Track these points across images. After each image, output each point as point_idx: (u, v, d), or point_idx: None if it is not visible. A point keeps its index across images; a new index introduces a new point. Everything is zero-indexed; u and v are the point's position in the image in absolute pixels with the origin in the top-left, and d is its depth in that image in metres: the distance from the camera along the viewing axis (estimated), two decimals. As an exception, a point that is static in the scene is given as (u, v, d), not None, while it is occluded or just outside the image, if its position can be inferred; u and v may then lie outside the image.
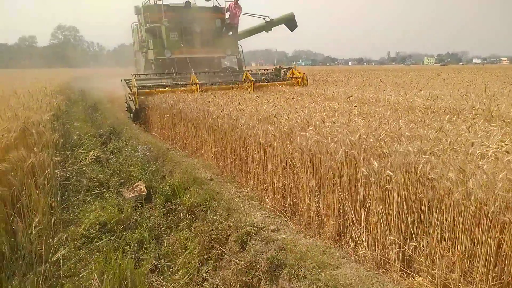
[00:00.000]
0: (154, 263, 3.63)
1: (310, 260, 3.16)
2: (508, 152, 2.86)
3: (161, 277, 3.14)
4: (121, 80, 11.45)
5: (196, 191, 5.01)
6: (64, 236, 3.76)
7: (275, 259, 3.36)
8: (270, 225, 3.96)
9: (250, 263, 3.48)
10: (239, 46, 14.93)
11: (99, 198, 5.29)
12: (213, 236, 4.11)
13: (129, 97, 10.35)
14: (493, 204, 2.35)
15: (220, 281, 3.56)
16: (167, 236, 4.60)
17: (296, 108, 5.96)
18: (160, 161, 6.61)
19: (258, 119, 5.34)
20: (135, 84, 10.03)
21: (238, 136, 5.32)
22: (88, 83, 22.98)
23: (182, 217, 4.79)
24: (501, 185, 2.36)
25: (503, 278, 2.36)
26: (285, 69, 13.55)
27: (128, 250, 3.88)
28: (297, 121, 4.83)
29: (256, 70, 13.62)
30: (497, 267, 2.41)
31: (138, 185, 5.97)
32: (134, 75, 10.81)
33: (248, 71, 12.44)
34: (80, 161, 6.53)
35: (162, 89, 10.13)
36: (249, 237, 3.79)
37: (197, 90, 10.02)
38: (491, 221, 2.39)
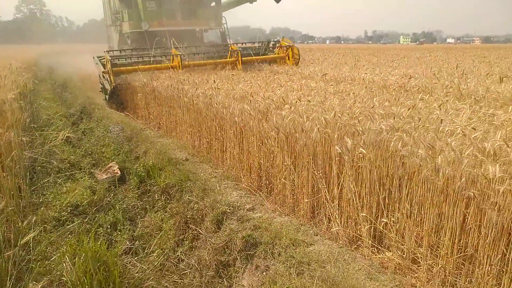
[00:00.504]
0: (128, 245, 3.60)
1: (284, 237, 3.20)
2: (475, 129, 2.93)
3: (135, 258, 3.11)
4: (94, 58, 10.20)
5: (171, 171, 4.94)
6: (34, 219, 3.64)
7: (250, 237, 3.38)
8: (246, 204, 3.97)
9: (226, 243, 3.49)
10: (223, 18, 13.56)
11: (70, 180, 5.14)
12: (188, 216, 4.09)
13: (103, 76, 9.16)
14: (459, 180, 2.41)
15: (195, 261, 3.57)
16: (141, 218, 4.56)
17: (273, 86, 5.91)
18: (133, 141, 6.47)
19: (234, 97, 5.26)
20: (110, 61, 8.77)
21: (214, 115, 5.25)
22: (57, 61, 22.03)
23: (157, 198, 4.74)
24: (467, 161, 2.43)
25: (467, 250, 2.46)
26: (273, 42, 12.17)
27: (101, 232, 3.82)
28: (273, 100, 4.79)
29: (242, 44, 11.99)
30: (461, 241, 2.50)
31: (111, 166, 5.85)
32: (107, 51, 9.50)
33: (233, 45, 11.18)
34: (50, 142, 6.30)
35: (141, 66, 9.00)
36: (224, 217, 3.80)
37: (179, 67, 9.06)
38: (457, 196, 2.47)
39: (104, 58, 9.35)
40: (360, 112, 3.78)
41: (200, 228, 3.89)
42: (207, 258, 3.49)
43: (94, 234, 3.28)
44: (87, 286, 2.63)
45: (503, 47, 32.93)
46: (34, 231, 3.27)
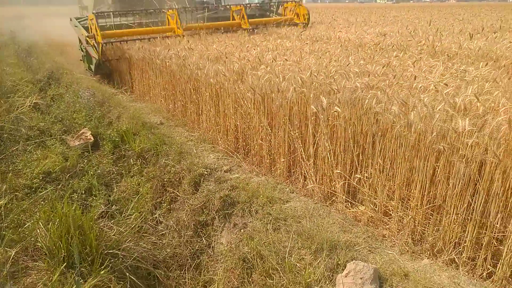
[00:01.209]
0: (104, 209, 3.57)
1: (261, 196, 3.24)
2: (447, 85, 2.98)
3: (112, 221, 3.10)
4: (71, 20, 8.36)
5: (145, 136, 4.85)
6: (4, 188, 3.54)
7: (228, 197, 3.42)
8: (223, 166, 3.98)
9: (204, 203, 3.52)
10: None
11: (40, 147, 4.98)
12: (165, 180, 4.07)
13: (87, 42, 7.38)
14: (430, 134, 2.47)
15: (174, 222, 3.59)
16: (117, 183, 4.51)
17: (248, 46, 5.76)
18: (105, 106, 6.26)
19: (209, 58, 5.12)
20: (97, 24, 6.93)
21: (188, 77, 5.11)
22: (19, 24, 20.65)
23: (132, 163, 4.67)
24: (439, 116, 2.47)
25: (435, 201, 2.57)
26: (275, 2, 10.35)
27: (76, 198, 3.77)
28: (249, 60, 4.70)
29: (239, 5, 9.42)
30: (430, 193, 2.60)
31: (83, 132, 5.69)
32: (96, 13, 7.45)
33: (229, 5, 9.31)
34: (16, 109, 6.03)
35: (134, 29, 7.37)
36: (202, 179, 3.80)
37: (178, 30, 7.50)
38: (428, 150, 2.53)
39: (85, 20, 7.80)
40: (335, 71, 3.75)
41: (177, 191, 3.89)
42: (185, 219, 3.52)
43: (68, 199, 3.23)
44: (63, 250, 2.62)
45: (477, 5, 33.12)
46: (4, 199, 3.18)
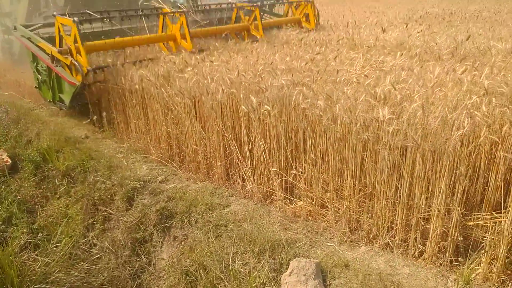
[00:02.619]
0: (26, 239, 3.23)
1: (200, 204, 3.16)
2: (367, 76, 3.11)
3: (37, 252, 2.81)
4: (15, 28, 5.94)
5: (70, 152, 4.49)
6: None
7: (165, 209, 3.28)
8: (158, 177, 3.81)
9: (139, 219, 3.34)
10: None
11: None
12: (96, 198, 3.80)
13: (54, 61, 5.06)
14: (355, 125, 2.56)
15: (109, 243, 3.37)
16: (43, 207, 4.12)
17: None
18: (22, 123, 5.70)
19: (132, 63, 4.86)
20: (75, 33, 4.55)
21: (111, 85, 4.81)
22: None
23: (58, 183, 4.30)
24: (361, 107, 2.57)
25: (366, 189, 2.67)
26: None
27: (-8, 231, 3.38)
28: (175, 63, 4.54)
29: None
30: (361, 181, 2.70)
31: (-2, 154, 5.14)
32: (58, 14, 4.79)
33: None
34: None
35: (132, 37, 5.34)
36: (135, 193, 3.61)
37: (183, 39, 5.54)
38: (355, 140, 2.63)
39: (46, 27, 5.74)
40: (263, 69, 3.76)
41: (110, 208, 3.64)
42: (121, 238, 3.31)
43: (-19, 235, 2.86)
44: (-22, 295, 2.32)
45: (390, -2, 35.57)
46: None
